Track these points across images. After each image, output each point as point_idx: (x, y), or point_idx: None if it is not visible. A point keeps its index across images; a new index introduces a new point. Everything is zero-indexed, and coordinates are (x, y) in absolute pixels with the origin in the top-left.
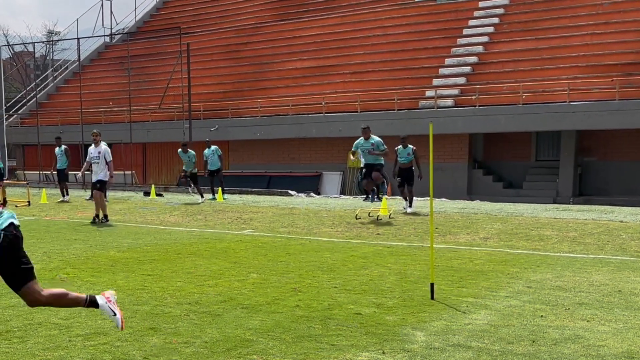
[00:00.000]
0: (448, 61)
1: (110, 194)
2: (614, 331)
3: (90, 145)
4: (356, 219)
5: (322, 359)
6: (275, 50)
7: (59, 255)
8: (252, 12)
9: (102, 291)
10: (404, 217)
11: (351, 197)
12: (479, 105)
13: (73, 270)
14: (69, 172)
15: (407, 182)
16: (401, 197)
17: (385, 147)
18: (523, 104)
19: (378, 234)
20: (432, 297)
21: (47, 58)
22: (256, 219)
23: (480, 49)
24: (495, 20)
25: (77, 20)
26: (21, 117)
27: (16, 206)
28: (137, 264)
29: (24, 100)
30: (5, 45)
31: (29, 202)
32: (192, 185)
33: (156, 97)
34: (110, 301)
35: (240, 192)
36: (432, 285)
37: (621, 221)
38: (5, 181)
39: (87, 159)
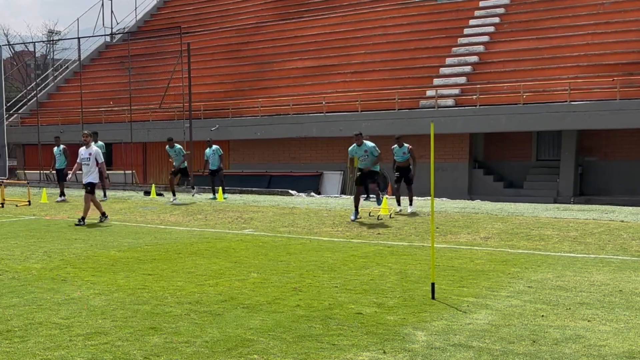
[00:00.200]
0: (449, 61)
1: (110, 193)
2: (615, 331)
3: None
4: (369, 215)
5: (322, 359)
6: (276, 49)
7: (60, 255)
8: (252, 12)
9: (102, 290)
10: (404, 216)
11: (352, 197)
12: (480, 105)
13: (73, 269)
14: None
15: (406, 182)
16: (394, 197)
17: (379, 151)
18: (524, 104)
19: (379, 233)
20: (432, 297)
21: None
22: (257, 218)
23: (481, 48)
24: (496, 19)
25: (78, 19)
26: (21, 116)
27: (17, 206)
28: (138, 264)
29: (25, 100)
30: (5, 45)
31: (29, 201)
32: (185, 181)
33: (157, 96)
34: None
35: (240, 192)
36: (433, 285)
37: (622, 221)
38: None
39: (78, 160)
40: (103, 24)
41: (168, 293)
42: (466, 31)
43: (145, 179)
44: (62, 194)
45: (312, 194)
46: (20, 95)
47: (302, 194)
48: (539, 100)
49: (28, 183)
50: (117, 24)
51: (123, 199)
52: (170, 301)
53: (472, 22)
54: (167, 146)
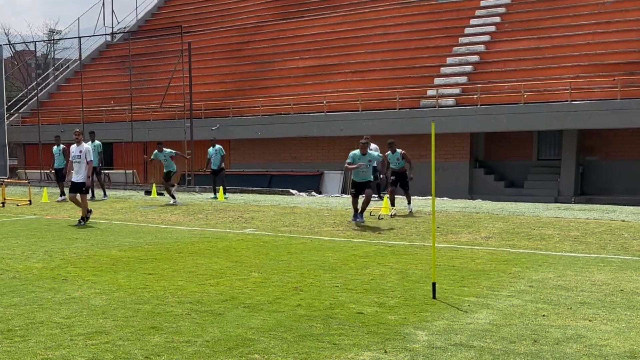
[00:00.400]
0: (449, 60)
1: (111, 192)
2: (616, 331)
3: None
4: (379, 218)
5: (323, 358)
6: (277, 49)
7: (60, 254)
8: (253, 11)
9: (103, 290)
10: (405, 216)
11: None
12: (481, 105)
13: (74, 269)
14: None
15: (402, 187)
16: (390, 199)
17: (381, 156)
18: (525, 103)
19: (379, 233)
20: (433, 297)
21: (49, 57)
22: (257, 218)
23: (481, 48)
24: (497, 19)
25: (79, 19)
26: (22, 116)
27: (17, 205)
28: (139, 263)
29: (25, 99)
30: (6, 44)
31: (30, 201)
32: (166, 182)
33: (157, 96)
34: None
35: (241, 191)
36: (434, 284)
37: (623, 220)
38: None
39: (70, 159)
40: (104, 24)
41: (169, 292)
42: (467, 31)
43: (146, 178)
44: (62, 193)
45: (313, 193)
46: (21, 94)
47: (303, 194)
48: (540, 100)
49: (29, 182)
50: (118, 23)
51: (124, 199)
52: (171, 301)
53: (472, 21)
54: (155, 151)
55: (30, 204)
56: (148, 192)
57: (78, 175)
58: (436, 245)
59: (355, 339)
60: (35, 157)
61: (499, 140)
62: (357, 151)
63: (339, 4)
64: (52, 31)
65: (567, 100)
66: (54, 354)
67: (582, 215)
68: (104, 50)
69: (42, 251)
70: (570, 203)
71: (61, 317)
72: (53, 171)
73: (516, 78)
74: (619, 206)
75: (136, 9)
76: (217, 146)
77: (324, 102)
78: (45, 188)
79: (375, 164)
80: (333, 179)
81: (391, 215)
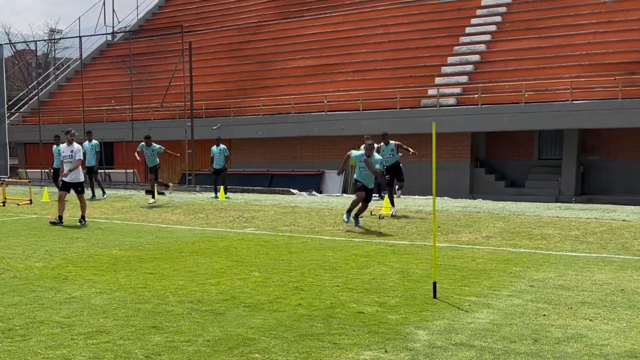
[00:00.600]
0: (450, 60)
1: (112, 192)
2: (617, 330)
3: (82, 143)
4: (380, 218)
5: (324, 358)
6: (278, 48)
7: (61, 254)
8: (254, 11)
9: (103, 289)
10: (406, 215)
11: (353, 196)
12: (482, 104)
13: (75, 268)
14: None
15: (397, 178)
16: (389, 199)
17: (380, 159)
18: (525, 103)
19: (380, 232)
20: (434, 296)
21: (49, 56)
22: (258, 217)
23: (482, 47)
24: (498, 18)
25: (79, 18)
26: (23, 115)
27: (18, 204)
28: (139, 263)
29: (26, 99)
30: (7, 44)
31: (30, 200)
32: (155, 181)
33: (158, 95)
34: None
35: (242, 191)
36: (434, 284)
37: (624, 220)
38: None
39: (61, 159)
40: (105, 23)
41: (169, 292)
42: (468, 30)
43: (146, 177)
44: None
45: (314, 192)
46: (21, 94)
47: (304, 193)
48: (541, 100)
49: (29, 182)
50: (119, 22)
51: (124, 198)
52: (171, 300)
53: (473, 21)
54: (142, 143)
55: (31, 203)
56: (149, 192)
57: (71, 175)
58: (437, 244)
59: (355, 339)
60: (36, 156)
61: (500, 139)
62: (359, 152)
63: (340, 3)
64: (52, 30)
65: (568, 100)
66: (55, 353)
67: (582, 215)
68: (104, 49)
69: (43, 250)
70: (571, 203)
71: (62, 316)
72: (52, 170)
73: (517, 77)
74: (620, 206)
75: (137, 8)
76: (222, 146)
77: (325, 101)
78: (45, 187)
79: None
80: (334, 178)
81: (392, 214)
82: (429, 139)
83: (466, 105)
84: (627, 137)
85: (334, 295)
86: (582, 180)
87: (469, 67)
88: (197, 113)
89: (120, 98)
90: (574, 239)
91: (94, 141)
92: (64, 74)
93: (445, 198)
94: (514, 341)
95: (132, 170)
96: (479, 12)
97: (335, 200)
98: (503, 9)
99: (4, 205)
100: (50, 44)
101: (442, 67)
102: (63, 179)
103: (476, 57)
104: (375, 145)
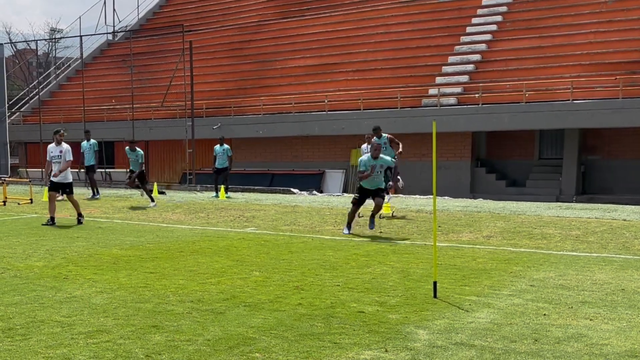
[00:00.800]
0: (451, 59)
1: (112, 191)
2: (618, 330)
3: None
4: (359, 217)
5: (324, 357)
6: (278, 48)
7: (62, 253)
8: (255, 10)
9: (104, 288)
10: (406, 215)
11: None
12: (482, 104)
13: (75, 267)
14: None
15: (390, 172)
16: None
17: (394, 161)
18: (526, 102)
19: (380, 232)
20: (434, 296)
21: (50, 56)
22: (259, 216)
23: (483, 47)
24: (499, 18)
25: (80, 18)
26: (24, 114)
27: (19, 204)
28: (140, 262)
29: (27, 98)
30: (7, 43)
31: (31, 199)
32: (140, 187)
33: (159, 94)
34: None
35: (242, 190)
36: (435, 283)
37: (624, 220)
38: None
39: (48, 158)
40: (105, 22)
41: (170, 291)
42: (469, 29)
43: (147, 177)
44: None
45: (314, 192)
46: (22, 93)
47: (304, 192)
48: (542, 99)
49: (30, 181)
50: (120, 22)
51: (125, 197)
52: (172, 299)
53: (474, 20)
54: (127, 147)
55: (32, 202)
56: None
57: (60, 175)
58: (437, 244)
59: (356, 338)
60: (36, 156)
61: (501, 139)
62: (366, 157)
63: (341, 2)
64: (53, 30)
65: (568, 100)
66: (55, 353)
67: (583, 215)
68: (105, 49)
69: (43, 250)
70: (572, 202)
71: (62, 315)
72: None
73: (518, 77)
74: (621, 205)
75: (137, 7)
76: (225, 146)
77: (326, 101)
78: (46, 187)
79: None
80: (334, 177)
81: (392, 214)
82: (430, 139)
83: (467, 104)
84: (627, 136)
85: (335, 295)
86: (582, 179)
87: (470, 67)
88: (197, 112)
89: (120, 97)
90: (574, 239)
91: (92, 140)
92: (65, 73)
93: (446, 198)
94: (515, 341)
95: None
96: (479, 11)
97: (335, 199)
98: (504, 9)
99: (4, 204)
100: (50, 43)
101: (443, 67)
102: (52, 179)
103: (477, 57)
104: (363, 147)
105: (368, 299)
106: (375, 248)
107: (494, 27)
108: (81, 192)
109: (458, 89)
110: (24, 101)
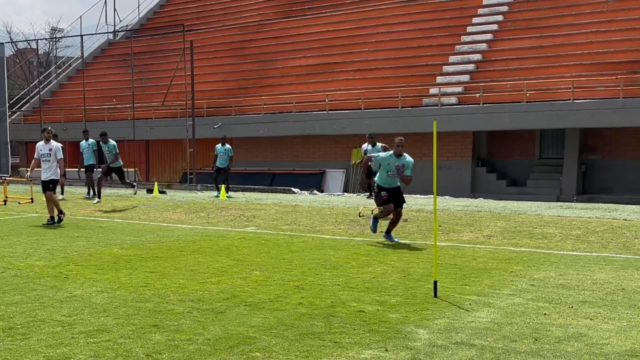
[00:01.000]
0: (452, 59)
1: (112, 191)
2: (618, 329)
3: (78, 142)
4: (359, 216)
5: (324, 357)
6: (279, 47)
7: (62, 252)
8: (255, 10)
9: (104, 288)
10: (406, 215)
11: (354, 195)
12: (483, 103)
13: (76, 267)
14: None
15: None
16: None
17: (412, 162)
18: (527, 102)
19: (381, 231)
20: (435, 295)
21: (51, 55)
22: (259, 216)
23: (484, 46)
24: (499, 17)
25: (81, 17)
26: (24, 114)
27: (19, 203)
28: (140, 261)
29: (27, 97)
30: (8, 42)
31: (31, 199)
32: (121, 181)
33: (159, 94)
34: None
35: (243, 190)
36: (435, 283)
37: (625, 219)
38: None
39: (36, 156)
40: (106, 22)
41: (170, 291)
42: (469, 29)
43: (147, 176)
44: (61, 191)
45: (315, 191)
46: (23, 92)
47: (305, 192)
48: (543, 99)
49: (30, 180)
50: (120, 21)
51: (125, 197)
52: (172, 299)
53: (475, 20)
54: (100, 141)
55: (32, 202)
56: (150, 191)
57: (48, 172)
58: (438, 243)
59: (356, 338)
60: None
61: (501, 138)
62: (386, 154)
63: (341, 2)
64: (54, 29)
65: (569, 99)
66: (55, 352)
67: (584, 214)
68: (106, 48)
69: (44, 249)
70: (572, 202)
71: (62, 315)
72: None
73: (518, 77)
74: (621, 205)
75: (138, 7)
76: (227, 146)
77: (326, 100)
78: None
79: (409, 173)
80: (335, 177)
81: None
82: (430, 138)
83: (468, 104)
84: (628, 136)
85: (335, 294)
86: (583, 179)
87: (471, 66)
88: (198, 112)
89: (121, 97)
90: (575, 238)
91: (91, 140)
92: (66, 72)
93: (447, 197)
94: (515, 340)
95: (133, 169)
96: (480, 11)
97: (336, 199)
98: (505, 8)
99: (5, 203)
100: (51, 42)
101: (444, 66)
102: (42, 179)
103: (478, 56)
104: (364, 147)
105: (368, 298)
106: (375, 247)
107: (494, 27)
108: (82, 191)
109: (459, 89)
110: (24, 100)
